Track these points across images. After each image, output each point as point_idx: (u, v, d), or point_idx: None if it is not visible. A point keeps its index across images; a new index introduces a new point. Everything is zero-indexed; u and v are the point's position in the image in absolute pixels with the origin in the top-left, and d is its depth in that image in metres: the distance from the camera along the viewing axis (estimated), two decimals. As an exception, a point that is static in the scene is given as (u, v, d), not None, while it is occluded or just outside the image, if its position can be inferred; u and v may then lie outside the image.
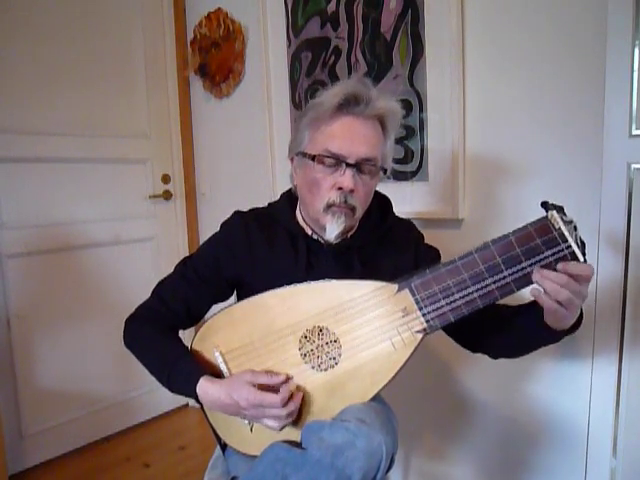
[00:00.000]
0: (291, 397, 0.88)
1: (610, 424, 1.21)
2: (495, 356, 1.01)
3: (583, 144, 1.20)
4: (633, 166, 1.12)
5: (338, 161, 0.93)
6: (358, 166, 0.93)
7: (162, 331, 1.02)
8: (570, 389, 1.29)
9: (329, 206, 0.94)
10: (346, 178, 0.92)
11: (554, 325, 0.83)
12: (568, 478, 1.31)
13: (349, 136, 0.92)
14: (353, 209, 0.95)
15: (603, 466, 1.23)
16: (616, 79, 1.12)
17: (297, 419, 0.91)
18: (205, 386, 0.90)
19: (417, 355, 0.89)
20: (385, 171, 0.99)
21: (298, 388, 0.90)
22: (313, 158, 0.94)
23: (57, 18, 1.90)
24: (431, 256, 1.07)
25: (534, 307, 0.86)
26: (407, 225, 1.12)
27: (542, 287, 0.78)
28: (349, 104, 0.92)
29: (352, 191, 0.93)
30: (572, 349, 1.26)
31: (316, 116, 0.95)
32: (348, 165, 0.92)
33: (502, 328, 0.94)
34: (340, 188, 0.93)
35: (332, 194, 0.94)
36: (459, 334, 1.02)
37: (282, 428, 0.89)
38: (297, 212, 1.07)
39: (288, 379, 0.91)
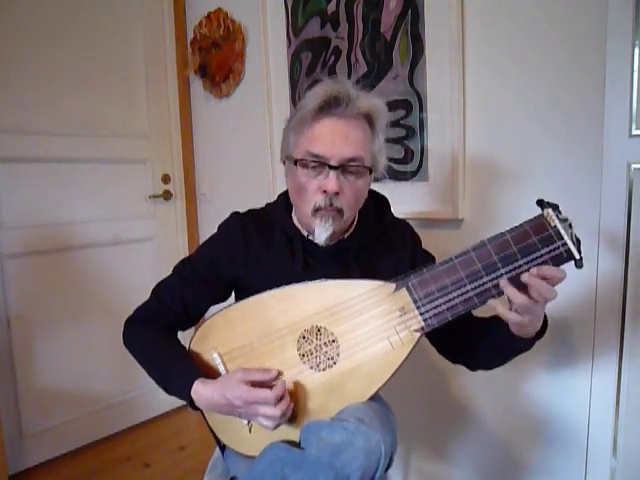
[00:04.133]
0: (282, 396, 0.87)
1: (610, 424, 1.21)
2: (473, 367, 1.02)
3: (583, 144, 1.20)
4: (633, 166, 1.12)
5: (321, 164, 0.92)
6: (342, 167, 0.92)
7: (160, 333, 1.02)
8: (570, 389, 1.28)
9: (316, 210, 0.94)
10: (330, 181, 0.91)
11: (519, 333, 0.85)
12: (568, 478, 1.31)
13: (330, 138, 0.91)
14: (340, 211, 0.94)
15: (603, 466, 1.23)
16: (616, 79, 1.11)
17: (296, 419, 0.91)
18: (199, 388, 0.90)
19: (416, 355, 0.89)
20: (371, 171, 0.97)
21: (295, 386, 0.90)
22: (296, 162, 0.94)
23: (57, 18, 1.90)
24: (427, 262, 1.07)
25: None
26: (403, 225, 1.12)
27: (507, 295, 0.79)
28: (329, 106, 0.91)
29: (337, 193, 0.92)
30: (571, 349, 1.26)
31: (299, 119, 0.94)
32: (331, 167, 0.91)
33: (478, 336, 0.95)
34: (325, 191, 0.92)
35: (317, 197, 0.93)
36: (440, 343, 1.03)
37: (276, 427, 0.89)
38: (293, 213, 1.06)
39: (280, 374, 0.91)
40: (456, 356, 1.03)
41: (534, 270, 0.77)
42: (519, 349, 0.90)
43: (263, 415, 0.86)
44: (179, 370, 0.94)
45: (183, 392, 0.91)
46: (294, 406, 0.90)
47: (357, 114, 0.93)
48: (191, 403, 0.92)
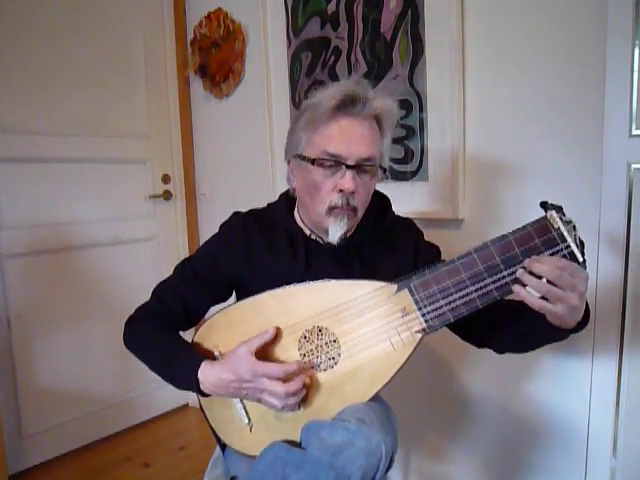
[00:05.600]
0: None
1: (610, 424, 1.21)
2: (501, 351, 1.01)
3: (583, 144, 1.20)
4: (633, 166, 1.12)
5: (337, 163, 0.92)
6: (358, 167, 0.93)
7: (162, 329, 1.02)
8: (570, 389, 1.29)
9: (331, 209, 0.94)
10: (347, 180, 0.91)
11: (555, 322, 0.82)
12: (568, 478, 1.31)
13: (347, 137, 0.92)
14: (355, 210, 0.95)
15: (603, 466, 1.23)
16: (616, 79, 1.11)
17: (296, 419, 0.91)
18: (206, 369, 0.91)
19: (417, 355, 0.89)
20: (384, 170, 0.99)
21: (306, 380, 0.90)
22: (313, 161, 0.94)
23: (57, 18, 1.90)
24: (431, 253, 1.07)
25: None
26: (406, 223, 1.12)
27: (524, 283, 0.78)
28: (346, 105, 0.91)
29: (353, 192, 0.93)
30: (572, 349, 1.26)
31: (312, 118, 0.94)
32: (348, 167, 0.92)
33: (508, 323, 0.94)
34: (341, 190, 0.92)
35: (333, 197, 0.93)
36: (464, 330, 1.02)
37: (283, 408, 0.88)
38: (295, 213, 1.06)
39: (278, 330, 0.91)
40: (484, 340, 1.01)
41: (526, 262, 0.78)
42: (553, 338, 0.88)
43: (269, 390, 0.86)
44: (184, 356, 0.94)
45: (190, 376, 0.91)
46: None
47: (370, 115, 0.93)
48: (198, 388, 0.92)
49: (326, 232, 0.96)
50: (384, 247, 1.05)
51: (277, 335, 0.91)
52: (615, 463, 1.22)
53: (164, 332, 1.02)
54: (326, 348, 0.90)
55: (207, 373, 0.90)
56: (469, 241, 0.86)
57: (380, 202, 1.09)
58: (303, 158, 0.96)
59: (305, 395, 0.90)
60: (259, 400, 0.90)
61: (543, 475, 1.36)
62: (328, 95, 0.92)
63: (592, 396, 1.24)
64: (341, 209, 0.94)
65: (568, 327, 0.83)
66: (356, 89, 0.92)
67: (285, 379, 0.86)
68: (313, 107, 0.94)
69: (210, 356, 0.97)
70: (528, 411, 1.37)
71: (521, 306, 0.91)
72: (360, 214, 0.97)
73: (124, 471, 1.89)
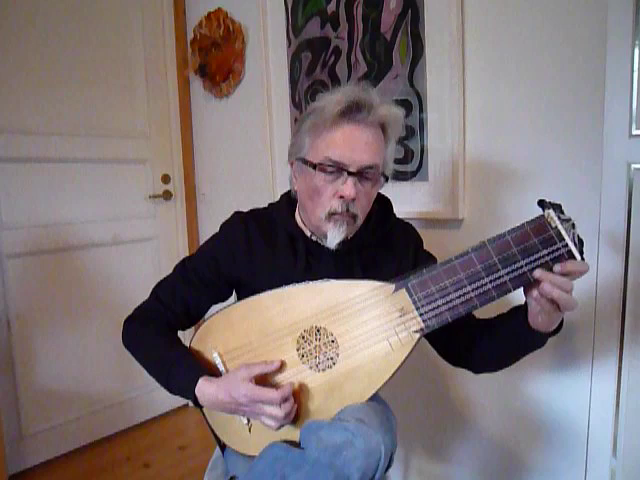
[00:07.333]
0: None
1: (610, 424, 1.21)
2: (476, 369, 1.01)
3: (583, 144, 1.20)
4: (633, 166, 1.12)
5: (339, 169, 0.92)
6: (360, 174, 0.92)
7: (161, 332, 1.02)
8: (570, 389, 1.28)
9: (331, 214, 0.94)
10: (348, 187, 0.91)
11: (541, 326, 0.83)
12: (568, 478, 1.31)
13: (350, 144, 0.91)
14: (354, 217, 0.95)
15: (603, 466, 1.23)
16: (616, 79, 1.11)
17: (296, 419, 0.91)
18: (203, 387, 0.90)
19: (417, 355, 0.89)
20: (387, 178, 0.99)
21: (297, 389, 0.90)
22: (315, 166, 0.93)
23: (57, 18, 1.90)
24: (429, 263, 1.07)
25: (517, 311, 0.88)
26: (407, 228, 1.12)
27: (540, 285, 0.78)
28: (351, 111, 0.91)
29: (354, 199, 0.93)
30: (572, 349, 1.26)
31: (317, 122, 0.93)
32: (350, 174, 0.91)
33: (484, 336, 0.94)
34: (342, 196, 0.92)
35: (334, 202, 0.93)
36: (441, 344, 1.03)
37: (280, 427, 0.89)
38: (296, 214, 1.06)
39: (283, 364, 0.91)
40: (459, 358, 1.02)
41: (557, 267, 0.77)
42: (533, 345, 0.89)
43: (268, 415, 0.87)
44: (182, 368, 0.94)
45: (187, 390, 0.91)
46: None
47: (375, 122, 0.93)
48: (195, 401, 0.92)
49: (325, 236, 0.96)
50: (385, 250, 1.05)
51: (281, 366, 0.91)
52: (615, 463, 1.22)
53: (163, 337, 1.01)
54: (324, 348, 0.90)
55: (204, 391, 0.90)
56: (469, 241, 0.86)
57: (382, 205, 1.09)
58: (306, 162, 0.96)
59: (304, 395, 0.90)
60: (255, 418, 0.91)
61: (543, 475, 1.36)
62: (333, 100, 0.91)
63: (592, 396, 1.24)
64: (341, 215, 0.93)
65: (547, 330, 0.84)
66: (362, 95, 0.91)
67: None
68: (318, 111, 0.94)
69: (208, 360, 0.97)
70: (528, 411, 1.37)
71: (498, 317, 0.94)
72: (360, 221, 0.97)
73: (124, 471, 1.89)
